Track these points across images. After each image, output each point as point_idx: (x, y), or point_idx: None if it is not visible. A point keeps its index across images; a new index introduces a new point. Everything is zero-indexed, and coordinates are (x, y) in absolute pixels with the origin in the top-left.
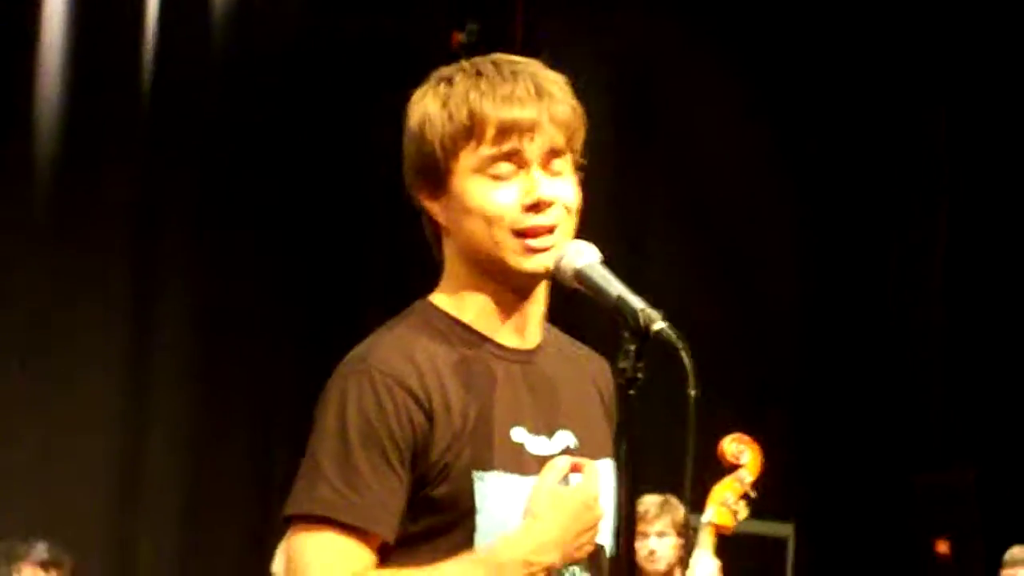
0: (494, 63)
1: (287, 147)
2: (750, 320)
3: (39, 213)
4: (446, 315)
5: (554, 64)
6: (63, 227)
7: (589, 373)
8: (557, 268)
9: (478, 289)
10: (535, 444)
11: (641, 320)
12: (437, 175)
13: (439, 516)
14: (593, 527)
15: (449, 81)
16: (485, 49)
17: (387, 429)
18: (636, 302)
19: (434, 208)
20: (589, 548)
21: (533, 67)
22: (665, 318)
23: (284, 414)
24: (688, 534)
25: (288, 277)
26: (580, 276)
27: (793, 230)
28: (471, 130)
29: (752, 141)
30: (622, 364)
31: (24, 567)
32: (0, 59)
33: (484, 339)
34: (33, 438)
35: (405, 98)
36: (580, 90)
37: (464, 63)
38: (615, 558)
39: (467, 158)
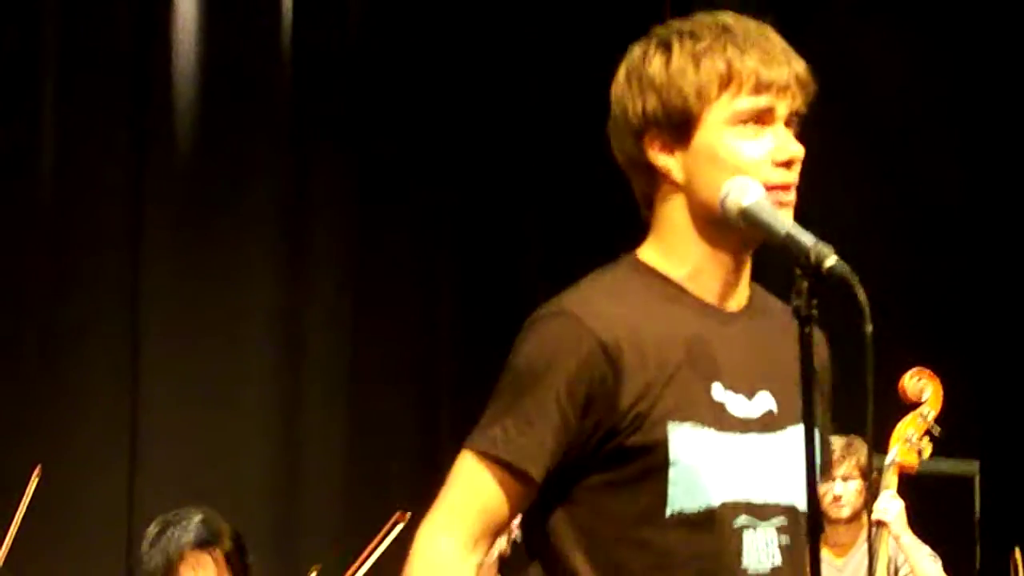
0: (735, 19)
1: (445, 106)
2: (926, 251)
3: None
4: (654, 271)
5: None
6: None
7: (793, 332)
8: (722, 207)
9: (696, 248)
10: (735, 403)
11: (813, 256)
12: (684, 125)
13: (631, 465)
14: None
15: (692, 35)
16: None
17: (565, 373)
18: (807, 238)
19: (668, 162)
20: None
21: (768, 28)
22: (837, 253)
23: (447, 374)
24: (872, 477)
25: (448, 247)
26: (747, 214)
27: (971, 166)
28: (729, 80)
29: (929, 92)
30: (795, 303)
31: (187, 555)
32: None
33: (691, 297)
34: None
35: (562, 49)
36: None
37: (703, 17)
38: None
39: (720, 109)
